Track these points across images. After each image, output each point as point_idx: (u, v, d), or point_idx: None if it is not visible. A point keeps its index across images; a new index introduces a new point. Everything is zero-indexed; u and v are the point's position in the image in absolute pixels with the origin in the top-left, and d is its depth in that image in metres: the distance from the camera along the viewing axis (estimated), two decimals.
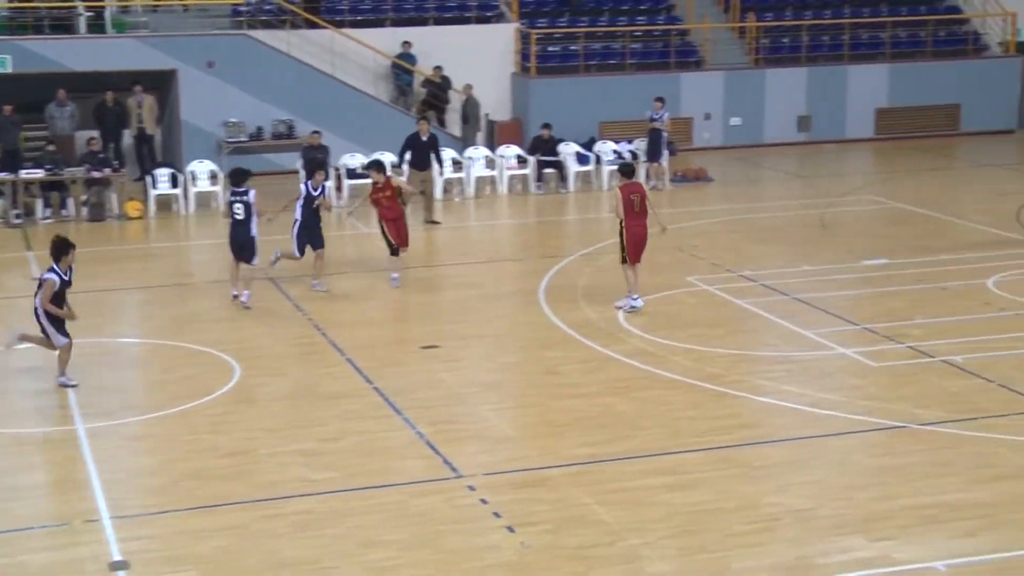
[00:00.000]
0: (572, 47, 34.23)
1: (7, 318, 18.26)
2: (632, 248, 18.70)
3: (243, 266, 19.47)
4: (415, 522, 12.09)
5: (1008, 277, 20.40)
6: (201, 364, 16.88)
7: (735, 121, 34.55)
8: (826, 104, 35.07)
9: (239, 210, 19.20)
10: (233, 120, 30.53)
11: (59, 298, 15.55)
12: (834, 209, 26.59)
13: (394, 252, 20.66)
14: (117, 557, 11.45)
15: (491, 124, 32.85)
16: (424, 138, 25.77)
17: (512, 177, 29.31)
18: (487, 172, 29.19)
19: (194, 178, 27.53)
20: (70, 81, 29.47)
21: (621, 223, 18.76)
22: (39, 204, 26.35)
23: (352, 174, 28.18)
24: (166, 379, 16.48)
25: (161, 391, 16.04)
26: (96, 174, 26.35)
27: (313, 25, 31.91)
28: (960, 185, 30.39)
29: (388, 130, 30.20)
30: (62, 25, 30.95)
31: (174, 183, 27.24)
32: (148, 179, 27.31)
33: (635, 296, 18.85)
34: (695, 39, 35.40)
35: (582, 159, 29.78)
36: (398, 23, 33.30)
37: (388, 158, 28.30)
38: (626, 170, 19.38)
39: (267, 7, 32.20)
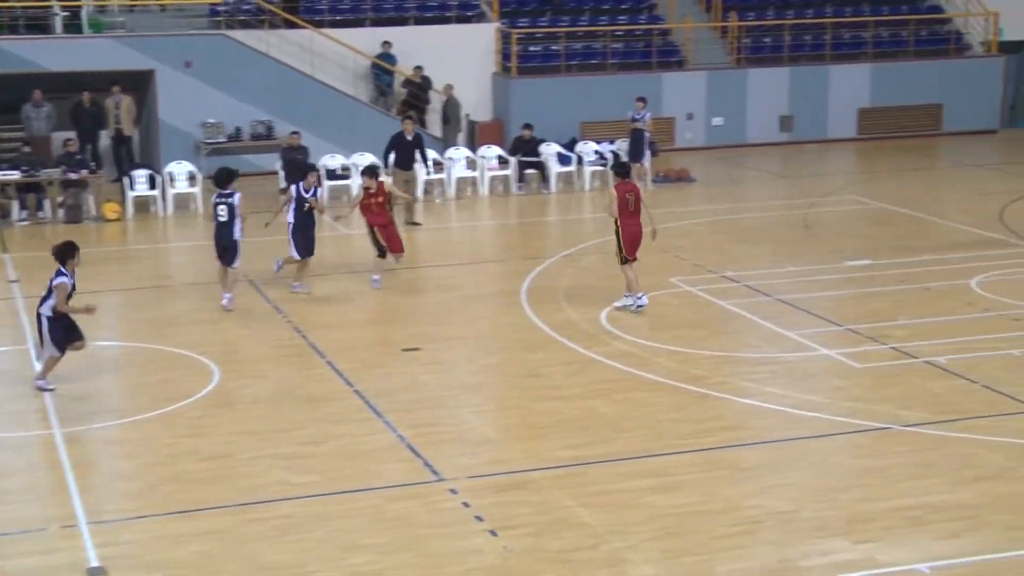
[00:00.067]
0: (553, 47, 34.16)
1: None
2: (630, 247, 18.64)
3: (226, 269, 19.32)
4: (397, 526, 12.03)
5: (991, 277, 20.40)
6: (180, 367, 16.77)
7: (717, 121, 34.52)
8: (808, 104, 35.06)
9: (223, 212, 19.05)
10: (211, 121, 30.38)
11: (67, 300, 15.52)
12: (817, 209, 26.58)
13: (382, 255, 20.56)
14: (95, 563, 11.36)
15: (472, 124, 32.78)
16: (409, 137, 25.69)
17: (493, 178, 29.22)
18: (468, 173, 29.11)
19: (172, 179, 27.36)
20: (46, 81, 29.30)
21: (616, 223, 18.66)
22: (15, 206, 26.13)
23: (332, 175, 28.06)
24: (144, 382, 16.35)
25: (139, 395, 15.93)
26: (73, 175, 26.20)
27: (292, 25, 31.78)
28: (943, 185, 30.42)
29: (368, 131, 30.13)
30: (38, 25, 30.75)
31: (152, 184, 27.07)
32: (126, 180, 27.15)
33: (640, 295, 18.78)
34: (677, 39, 35.36)
35: (564, 160, 29.70)
36: (378, 23, 33.18)
37: (368, 159, 28.27)
38: (621, 169, 19.30)
39: (245, 7, 32.07)
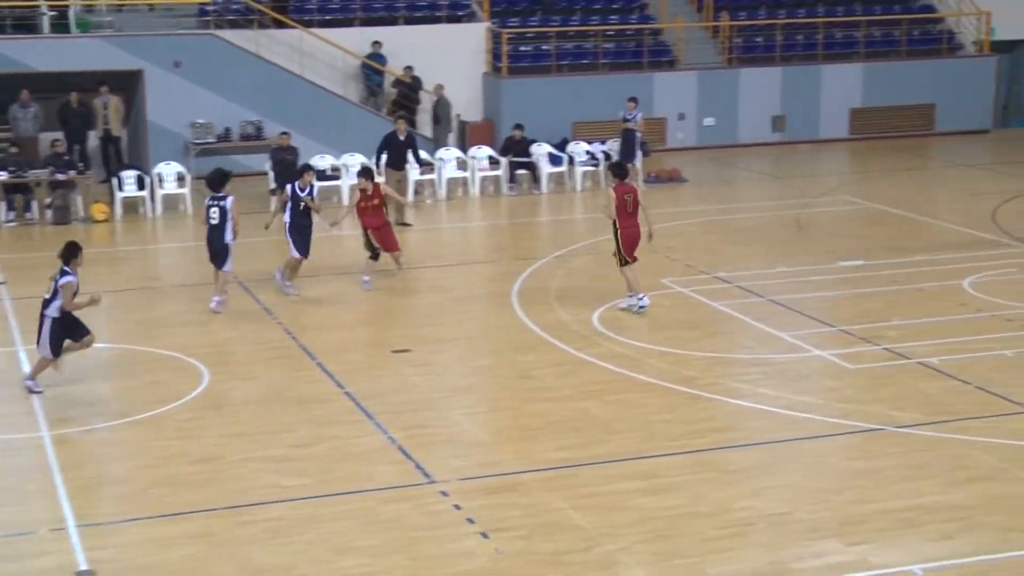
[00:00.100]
0: (544, 47, 34.11)
1: None
2: (629, 248, 18.57)
3: (218, 271, 19.28)
4: (387, 528, 11.99)
5: (984, 278, 20.38)
6: (169, 369, 16.70)
7: (709, 121, 34.50)
8: (800, 104, 35.05)
9: (215, 215, 18.96)
10: (200, 121, 30.29)
11: None
12: (809, 210, 26.55)
13: (374, 257, 20.49)
14: (84, 566, 11.29)
15: (462, 125, 32.72)
16: (401, 137, 25.67)
17: (484, 178, 29.17)
18: (459, 173, 29.05)
19: (161, 180, 27.26)
20: (34, 82, 29.21)
21: (615, 224, 18.58)
22: (2, 207, 26.02)
23: (322, 176, 27.96)
24: (133, 385, 16.26)
25: (128, 397, 15.84)
26: (61, 176, 26.10)
27: (281, 25, 31.69)
28: (935, 185, 30.43)
29: (358, 131, 30.08)
30: (25, 25, 30.64)
31: (140, 185, 26.96)
32: (114, 181, 27.04)
33: (641, 295, 18.72)
34: (668, 38, 35.32)
35: (555, 160, 29.66)
36: (368, 23, 33.10)
37: (359, 159, 28.20)
38: (619, 171, 19.17)
39: (234, 6, 31.97)
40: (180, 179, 27.37)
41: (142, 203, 26.94)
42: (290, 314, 19.20)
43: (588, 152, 29.98)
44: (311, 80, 31.32)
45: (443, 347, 17.87)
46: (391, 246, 20.54)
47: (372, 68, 32.24)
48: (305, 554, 11.47)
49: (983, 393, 15.33)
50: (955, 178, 30.88)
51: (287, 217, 20.06)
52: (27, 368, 16.03)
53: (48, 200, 26.17)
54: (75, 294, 15.39)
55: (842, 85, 35.29)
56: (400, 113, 30.06)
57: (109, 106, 29.53)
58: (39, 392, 15.55)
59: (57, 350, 15.54)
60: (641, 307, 18.70)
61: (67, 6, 30.94)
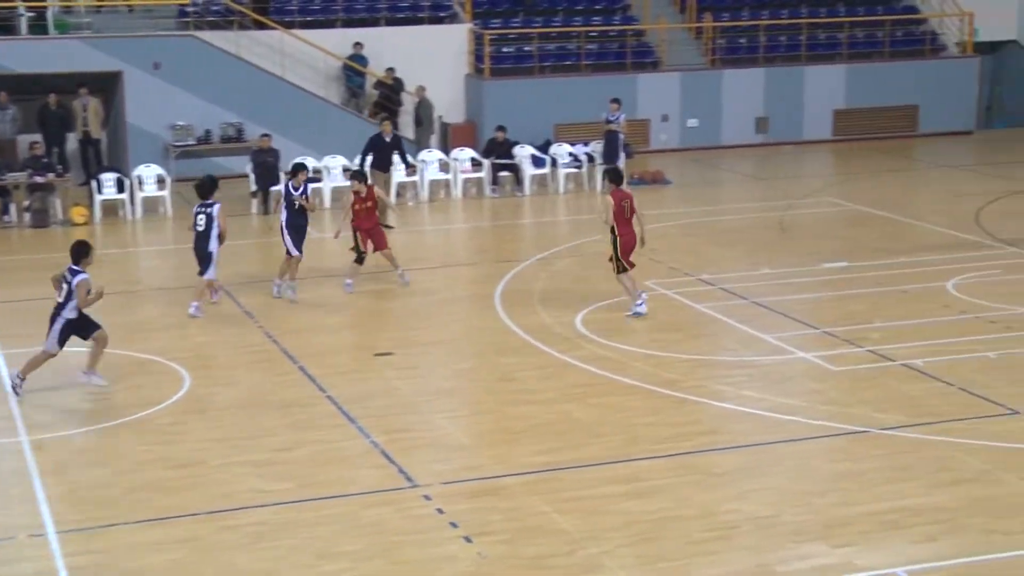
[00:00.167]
0: (526, 48, 34.08)
1: None
2: (627, 254, 18.50)
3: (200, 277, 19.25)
4: (370, 532, 11.95)
5: (968, 279, 20.38)
6: (149, 373, 16.62)
7: (692, 123, 34.48)
8: (784, 105, 35.05)
9: (201, 222, 18.97)
10: (181, 123, 30.15)
11: None
12: (793, 211, 26.56)
13: (359, 260, 20.43)
14: (64, 573, 11.22)
15: (444, 126, 32.67)
16: (387, 139, 25.64)
17: (466, 180, 29.11)
18: (441, 175, 28.99)
19: (141, 183, 27.15)
20: (11, 83, 29.09)
21: (613, 231, 18.49)
22: None
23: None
24: (114, 389, 16.13)
25: (108, 401, 15.74)
26: (39, 179, 25.97)
27: (262, 26, 31.59)
28: (919, 186, 30.47)
29: (339, 133, 30.03)
30: (2, 26, 30.43)
31: (120, 188, 26.84)
32: (93, 184, 26.91)
33: (639, 303, 18.65)
34: (651, 40, 35.31)
35: (538, 162, 29.61)
36: (349, 24, 33.02)
37: (340, 161, 28.14)
38: (616, 176, 19.05)
39: (214, 7, 31.85)
40: (160, 181, 27.27)
41: (122, 206, 26.81)
42: (272, 318, 19.13)
43: (571, 154, 29.93)
44: (292, 82, 31.23)
45: (425, 350, 17.82)
46: (381, 244, 20.50)
47: (354, 69, 32.16)
48: (288, 559, 11.43)
49: (967, 395, 15.32)
50: (938, 179, 30.93)
51: (283, 217, 20.03)
52: (6, 370, 15.91)
53: (27, 203, 26.02)
54: (89, 292, 15.35)
55: (825, 86, 35.32)
56: (385, 115, 29.93)
57: (88, 108, 29.40)
58: (18, 391, 15.49)
59: (63, 344, 15.52)
60: (638, 313, 18.62)
61: (45, 7, 30.80)
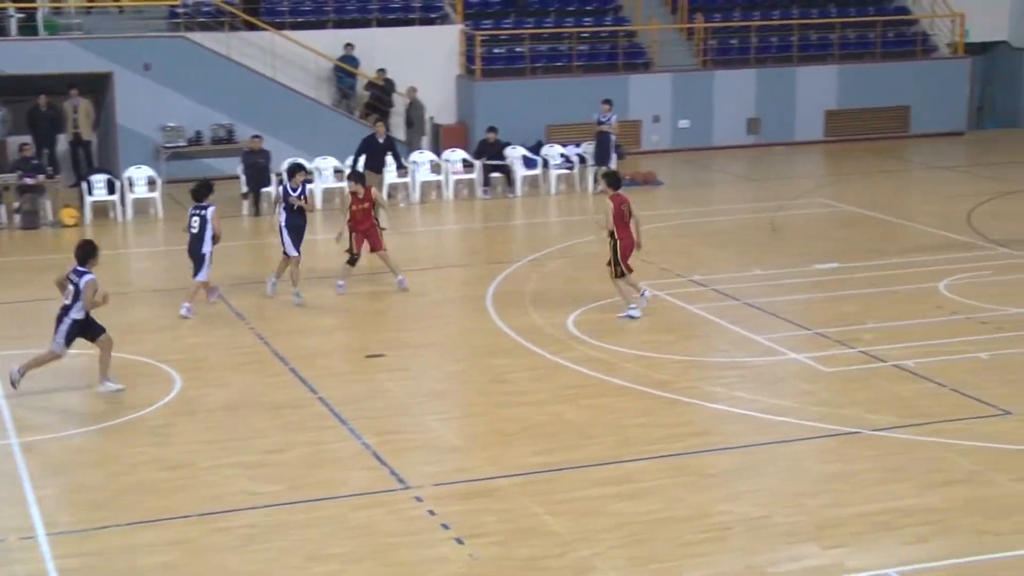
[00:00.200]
0: (518, 49, 34.06)
1: None
2: (626, 258, 18.48)
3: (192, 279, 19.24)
4: (361, 534, 11.92)
5: (959, 280, 20.39)
6: (140, 375, 16.57)
7: (684, 124, 34.48)
8: (775, 106, 35.06)
9: (195, 224, 19.01)
10: (171, 124, 30.09)
11: None
12: (785, 212, 26.55)
13: (352, 262, 20.40)
14: (55, 575, 11.15)
15: (436, 128, 32.64)
16: (381, 140, 25.62)
17: (458, 182, 29.08)
18: (432, 177, 28.97)
19: (131, 184, 27.09)
20: (1, 84, 28.96)
21: (613, 235, 18.44)
22: None
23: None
24: (105, 391, 16.08)
25: (99, 403, 15.70)
26: (29, 180, 25.91)
27: (252, 27, 31.53)
28: (910, 187, 30.51)
29: (330, 134, 30.00)
30: None
31: (111, 189, 26.77)
32: (84, 185, 26.84)
33: (633, 305, 18.63)
34: (643, 41, 35.30)
35: (529, 163, 29.59)
36: (340, 25, 32.99)
37: (331, 162, 28.10)
38: (614, 181, 18.98)
39: (205, 8, 31.78)
40: (151, 183, 27.21)
41: (112, 207, 26.76)
42: (263, 319, 19.10)
43: (562, 155, 29.92)
44: (283, 83, 31.19)
45: (417, 352, 17.79)
46: (377, 246, 20.48)
47: (344, 71, 32.12)
48: (279, 561, 11.40)
49: (958, 396, 15.32)
50: (930, 180, 30.96)
51: (282, 218, 20.00)
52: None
53: (17, 205, 25.95)
54: (96, 292, 15.36)
55: (817, 87, 35.33)
56: (378, 116, 29.88)
57: (79, 109, 29.34)
58: (15, 385, 15.50)
59: (70, 345, 15.50)
60: (630, 316, 18.61)
61: (35, 8, 30.72)
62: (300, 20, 32.81)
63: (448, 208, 28.35)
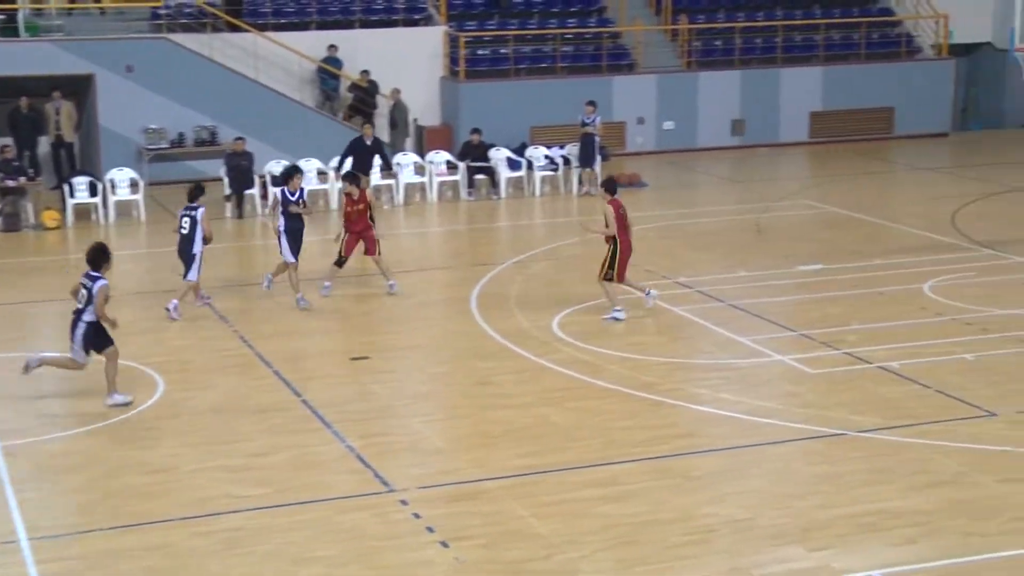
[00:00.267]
0: (502, 50, 34.02)
1: None
2: (624, 264, 18.44)
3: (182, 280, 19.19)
4: (346, 538, 11.89)
5: (944, 281, 20.42)
6: (124, 378, 16.39)
7: (668, 125, 34.47)
8: (760, 107, 35.06)
9: (185, 224, 19.04)
10: (154, 126, 29.96)
11: None
12: (769, 214, 26.56)
13: (339, 264, 20.34)
14: None
15: (420, 129, 32.58)
16: (368, 142, 25.58)
17: (442, 183, 29.04)
18: (416, 179, 28.92)
19: (113, 186, 26.98)
20: None
21: (615, 240, 18.41)
22: None
23: (277, 181, 27.74)
24: (87, 394, 15.98)
25: (82, 406, 15.60)
26: (10, 183, 25.79)
27: (235, 28, 31.44)
28: (895, 189, 30.56)
29: (314, 136, 29.94)
30: None
31: (93, 192, 26.66)
32: (65, 187, 26.72)
33: (618, 308, 18.59)
34: (627, 42, 35.29)
35: (513, 165, 29.55)
36: (323, 26, 32.90)
37: (315, 164, 28.03)
38: (612, 186, 18.94)
39: (187, 10, 31.67)
40: (133, 185, 27.10)
41: (94, 210, 26.65)
42: (247, 322, 19.04)
43: (547, 157, 29.89)
44: (266, 84, 31.09)
45: (402, 354, 17.77)
46: (371, 250, 20.41)
47: (328, 72, 32.04)
48: (263, 564, 11.36)
49: (943, 397, 15.33)
50: (915, 181, 31.01)
51: (281, 223, 19.90)
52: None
53: None
54: (107, 299, 15.28)
55: (801, 88, 35.35)
56: (365, 118, 29.82)
57: (61, 111, 29.25)
58: (27, 372, 15.42)
59: (88, 351, 15.40)
60: (615, 318, 18.58)
61: (16, 9, 30.58)
62: (283, 21, 32.73)
63: (432, 210, 28.31)
